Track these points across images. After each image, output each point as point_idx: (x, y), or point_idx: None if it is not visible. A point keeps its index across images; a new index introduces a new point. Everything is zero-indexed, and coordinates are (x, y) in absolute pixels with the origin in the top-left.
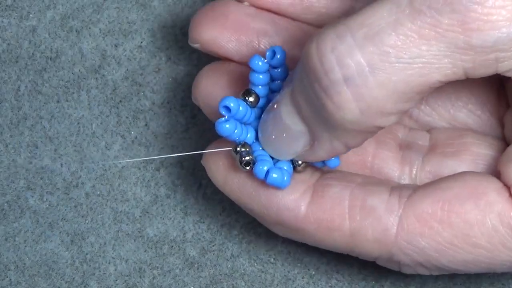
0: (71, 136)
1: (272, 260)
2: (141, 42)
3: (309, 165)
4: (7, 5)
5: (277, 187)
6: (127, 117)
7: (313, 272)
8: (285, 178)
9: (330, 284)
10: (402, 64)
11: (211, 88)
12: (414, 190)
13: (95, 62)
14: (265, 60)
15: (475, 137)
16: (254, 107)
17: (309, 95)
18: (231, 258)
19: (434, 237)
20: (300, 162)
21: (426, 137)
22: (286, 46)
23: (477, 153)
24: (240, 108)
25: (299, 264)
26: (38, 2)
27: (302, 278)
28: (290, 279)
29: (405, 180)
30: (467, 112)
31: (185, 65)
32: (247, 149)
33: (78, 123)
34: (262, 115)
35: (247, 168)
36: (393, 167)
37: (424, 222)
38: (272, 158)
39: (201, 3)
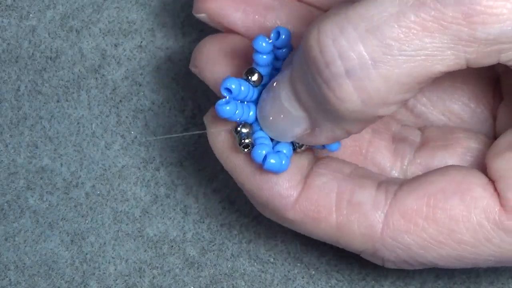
0: (71, 136)
1: (272, 260)
2: (141, 42)
3: (309, 147)
4: (7, 5)
5: (275, 172)
6: (127, 117)
7: (313, 272)
8: (283, 162)
9: (330, 284)
10: (404, 57)
11: (212, 58)
12: (401, 185)
13: (95, 62)
14: (270, 41)
15: (465, 133)
16: (257, 86)
17: (310, 85)
18: (231, 258)
19: (419, 233)
20: (301, 144)
21: (418, 134)
22: (292, 23)
23: (466, 147)
24: (242, 88)
25: (299, 264)
26: (38, 2)
27: (302, 278)
28: (290, 279)
29: (396, 172)
30: (462, 105)
31: (185, 65)
32: (247, 130)
33: (78, 123)
34: (261, 95)
35: (246, 150)
36: (386, 158)
37: (409, 218)
38: (272, 139)
39: None
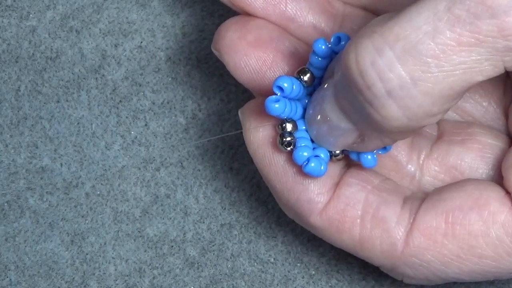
0: (71, 136)
1: (272, 260)
2: (141, 42)
3: (345, 156)
4: (7, 5)
5: (313, 176)
6: (127, 117)
7: (313, 272)
8: (322, 168)
9: (330, 284)
10: (444, 73)
11: (236, 42)
12: (422, 202)
13: (95, 62)
14: (329, 45)
15: (481, 128)
16: (308, 86)
17: (354, 102)
18: (231, 258)
19: (440, 250)
20: (338, 152)
21: (434, 127)
22: (313, 13)
23: (484, 142)
24: (294, 87)
25: (299, 264)
26: (38, 2)
27: (302, 278)
28: (290, 279)
29: (413, 166)
30: (474, 103)
31: (185, 65)
32: (291, 129)
33: (78, 123)
34: (308, 109)
35: (288, 149)
36: (402, 151)
37: (428, 235)
38: (312, 141)
39: (201, 3)
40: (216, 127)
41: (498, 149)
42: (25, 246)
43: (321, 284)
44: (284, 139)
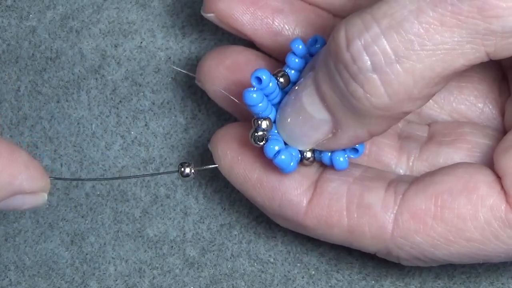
0: (71, 136)
1: (272, 260)
2: (141, 42)
3: (316, 160)
4: (7, 5)
5: (283, 169)
6: (127, 117)
7: (313, 272)
8: (292, 164)
9: (330, 284)
10: (426, 52)
11: (215, 69)
12: (409, 184)
13: (95, 62)
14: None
15: (472, 127)
16: (282, 88)
17: (336, 83)
18: (231, 258)
19: (429, 232)
20: (308, 156)
21: (425, 129)
22: (300, 27)
23: (473, 142)
24: (270, 84)
25: (299, 264)
26: (38, 2)
27: (302, 278)
28: (290, 279)
29: (402, 169)
30: (469, 105)
31: (185, 65)
32: (266, 126)
33: (78, 123)
34: (282, 102)
35: (260, 143)
36: (390, 155)
37: (418, 218)
38: (285, 144)
39: (200, 3)
40: (216, 127)
41: (487, 147)
42: (25, 246)
43: (321, 284)
44: (256, 134)
